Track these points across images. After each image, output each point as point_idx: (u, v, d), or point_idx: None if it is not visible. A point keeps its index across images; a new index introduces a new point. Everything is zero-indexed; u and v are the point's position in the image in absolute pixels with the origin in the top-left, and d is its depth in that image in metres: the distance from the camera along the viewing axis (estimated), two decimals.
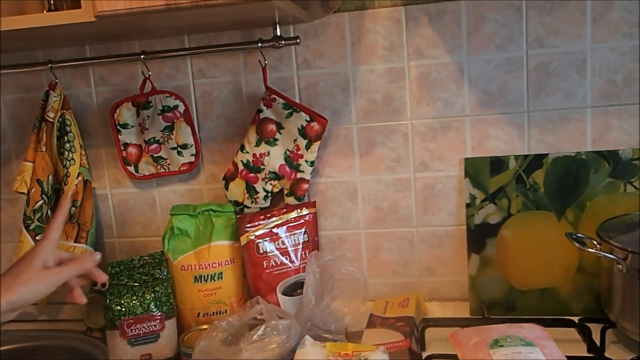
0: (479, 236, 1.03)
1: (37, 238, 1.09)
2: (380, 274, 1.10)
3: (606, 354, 0.86)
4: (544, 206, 1.00)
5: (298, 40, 1.02)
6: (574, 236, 0.91)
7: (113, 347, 0.95)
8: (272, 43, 1.00)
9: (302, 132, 1.03)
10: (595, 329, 0.90)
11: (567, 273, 1.00)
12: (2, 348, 1.05)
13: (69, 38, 1.02)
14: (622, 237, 0.87)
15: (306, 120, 1.02)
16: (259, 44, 1.00)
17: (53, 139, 1.08)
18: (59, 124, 1.08)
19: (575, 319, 0.95)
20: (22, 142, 1.17)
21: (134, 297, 0.95)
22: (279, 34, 1.01)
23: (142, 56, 1.05)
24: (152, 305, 0.95)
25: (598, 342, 0.88)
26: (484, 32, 0.99)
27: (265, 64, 1.03)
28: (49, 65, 1.07)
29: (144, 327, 0.95)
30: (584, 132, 0.99)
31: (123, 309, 0.94)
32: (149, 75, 1.06)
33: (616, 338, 0.91)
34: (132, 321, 0.94)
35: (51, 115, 1.07)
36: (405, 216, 1.08)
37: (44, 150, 1.08)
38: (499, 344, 0.77)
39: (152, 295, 0.96)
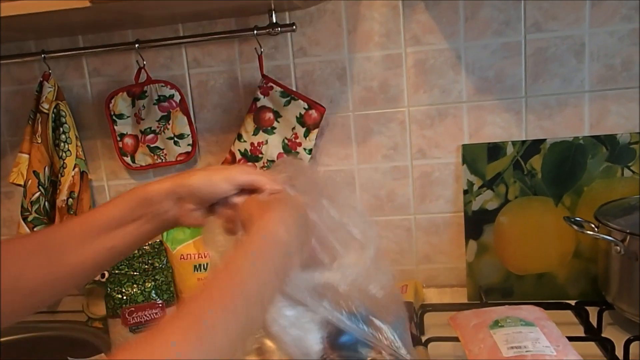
0: (476, 223, 1.03)
1: (35, 230, 1.09)
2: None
3: (603, 335, 0.87)
4: (542, 192, 1.00)
5: (294, 27, 1.01)
6: (572, 220, 0.92)
7: (115, 335, 0.96)
8: (268, 30, 1.00)
9: (300, 120, 1.03)
10: (592, 311, 0.91)
11: (564, 258, 1.01)
12: (3, 339, 1.05)
13: (62, 27, 1.00)
14: (619, 220, 0.87)
15: (304, 108, 1.02)
16: (255, 31, 1.00)
17: (48, 130, 1.07)
18: (53, 115, 1.07)
19: (572, 302, 0.97)
20: (17, 135, 1.16)
21: (135, 286, 0.96)
22: (274, 20, 1.00)
23: (136, 45, 1.04)
24: (153, 293, 0.96)
25: (595, 324, 0.89)
26: (481, 18, 0.98)
27: (261, 51, 1.02)
28: (42, 56, 1.06)
29: (145, 315, 0.95)
30: (581, 117, 0.99)
31: (124, 297, 0.95)
32: (144, 64, 1.05)
33: (612, 320, 0.92)
34: (133, 309, 0.95)
35: (46, 106, 1.06)
36: (403, 204, 1.08)
37: (39, 141, 1.08)
38: (499, 324, 0.78)
39: (153, 283, 0.96)
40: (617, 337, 0.83)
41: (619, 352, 0.80)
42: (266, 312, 0.53)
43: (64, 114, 1.08)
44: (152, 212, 0.60)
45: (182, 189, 0.60)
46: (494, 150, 1.01)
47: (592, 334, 0.88)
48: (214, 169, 0.64)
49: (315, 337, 0.62)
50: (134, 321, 0.95)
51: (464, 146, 1.03)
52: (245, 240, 0.52)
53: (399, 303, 0.69)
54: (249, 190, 0.61)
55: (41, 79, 1.07)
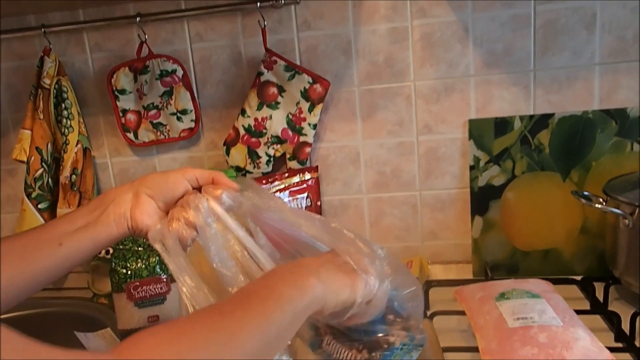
0: (482, 199, 1.02)
1: (39, 206, 1.09)
2: (383, 239, 1.10)
3: (609, 309, 0.87)
4: (549, 167, 0.99)
5: (298, 0, 0.99)
6: (580, 193, 0.91)
7: (120, 310, 0.96)
8: (271, 2, 0.98)
9: (305, 94, 1.01)
10: (598, 287, 0.90)
11: (570, 234, 1.00)
12: (9, 315, 1.06)
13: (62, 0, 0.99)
14: (628, 194, 0.86)
15: (309, 83, 1.01)
16: (258, 4, 0.98)
17: (50, 106, 1.06)
18: (55, 91, 1.06)
19: (578, 277, 0.96)
20: (19, 111, 1.15)
21: (139, 261, 0.96)
22: None
23: (137, 19, 1.02)
24: (157, 268, 0.96)
25: (601, 299, 0.89)
26: None
27: (265, 25, 1.00)
28: (42, 30, 1.04)
29: (150, 290, 0.95)
30: (591, 91, 0.97)
31: (129, 272, 0.95)
32: (146, 39, 1.04)
33: (619, 295, 0.92)
34: (138, 284, 0.94)
35: (47, 81, 1.05)
36: (408, 180, 1.07)
37: (41, 117, 1.07)
38: (505, 297, 0.78)
39: (157, 258, 0.96)
40: (623, 311, 0.83)
41: (625, 325, 0.80)
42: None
43: (65, 89, 1.07)
44: (110, 206, 0.61)
45: (140, 182, 0.63)
46: (501, 125, 1.00)
47: (598, 308, 0.88)
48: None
49: None
50: (138, 296, 0.95)
51: (471, 121, 1.01)
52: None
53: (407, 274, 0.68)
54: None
55: (42, 54, 1.06)
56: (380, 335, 0.70)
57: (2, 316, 1.03)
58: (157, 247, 0.60)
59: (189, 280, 0.57)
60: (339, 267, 0.56)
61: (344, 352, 0.72)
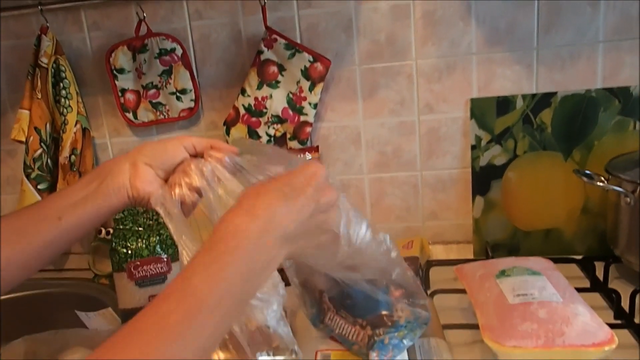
0: (483, 178, 1.02)
1: (38, 187, 1.09)
2: (384, 219, 1.10)
3: (609, 287, 0.87)
4: (551, 146, 0.98)
5: None
6: (582, 172, 0.90)
7: (121, 289, 0.96)
8: None
9: (305, 73, 1.00)
10: (599, 266, 0.90)
11: (571, 214, 1.00)
12: (11, 295, 1.06)
13: None
14: (630, 172, 0.86)
15: (309, 61, 1.00)
16: None
17: (48, 86, 1.05)
18: (53, 70, 1.05)
19: (579, 257, 0.96)
20: (17, 91, 1.14)
21: (140, 240, 0.95)
22: None
23: None
24: (157, 248, 0.95)
25: (601, 278, 0.89)
26: None
27: (264, 2, 0.99)
28: (39, 8, 1.03)
29: (150, 269, 0.95)
30: (594, 69, 0.96)
31: (129, 252, 0.95)
32: (144, 17, 1.02)
33: (619, 273, 0.92)
34: (138, 263, 0.94)
35: (45, 61, 1.04)
36: (409, 160, 1.06)
37: (39, 97, 1.06)
38: (506, 274, 0.78)
39: (158, 238, 0.96)
40: (623, 289, 0.83)
41: (625, 303, 0.80)
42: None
43: (63, 68, 1.06)
44: (108, 177, 0.61)
45: (136, 151, 0.62)
46: (503, 104, 0.99)
47: (599, 286, 0.88)
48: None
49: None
50: (139, 275, 0.95)
51: (473, 100, 1.00)
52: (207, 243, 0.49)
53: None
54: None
55: (39, 33, 1.05)
56: (384, 312, 0.70)
57: (5, 297, 1.03)
58: (160, 210, 0.60)
59: (189, 243, 0.58)
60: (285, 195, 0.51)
61: (347, 328, 0.72)
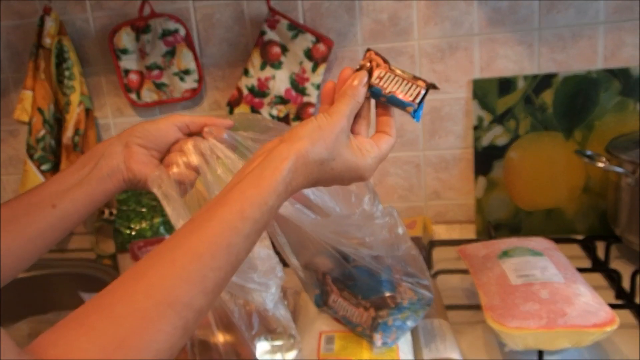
0: (486, 158, 1.03)
1: (41, 167, 1.09)
2: (387, 198, 1.11)
3: (610, 267, 0.88)
4: (552, 127, 0.99)
5: None
6: (584, 153, 0.91)
7: (124, 270, 0.97)
8: None
9: (308, 54, 1.00)
10: (600, 246, 0.92)
11: (573, 193, 1.01)
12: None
13: None
14: (630, 152, 0.87)
15: (312, 42, 1.00)
16: None
17: (51, 66, 1.05)
18: (56, 51, 1.05)
19: (580, 237, 0.97)
20: (20, 71, 1.14)
21: (143, 221, 0.96)
22: None
23: None
24: (161, 229, 0.96)
25: (602, 258, 0.90)
26: None
27: None
28: None
29: None
30: (595, 50, 0.97)
31: (133, 233, 0.95)
32: None
33: (619, 253, 0.93)
34: (142, 244, 0.95)
35: (48, 41, 1.04)
36: (412, 140, 1.07)
37: (42, 77, 1.06)
38: (508, 254, 0.79)
39: (161, 219, 0.97)
40: (624, 269, 0.84)
41: (626, 283, 0.81)
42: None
43: (66, 49, 1.06)
44: (101, 160, 0.59)
45: (129, 133, 0.60)
46: (505, 84, 0.99)
47: (600, 266, 0.89)
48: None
49: None
50: (142, 256, 0.96)
51: (475, 81, 1.01)
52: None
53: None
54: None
55: (43, 13, 1.04)
56: (388, 294, 0.70)
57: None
58: (157, 192, 0.59)
59: None
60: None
61: (351, 309, 0.72)
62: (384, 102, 0.56)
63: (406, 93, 0.55)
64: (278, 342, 0.73)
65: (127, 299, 0.40)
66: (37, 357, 0.36)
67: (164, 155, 0.62)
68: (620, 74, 0.96)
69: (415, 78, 0.55)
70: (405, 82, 0.55)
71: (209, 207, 0.45)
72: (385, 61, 0.57)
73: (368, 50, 0.57)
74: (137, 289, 0.41)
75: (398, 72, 0.56)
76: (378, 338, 0.68)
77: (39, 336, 0.38)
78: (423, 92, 0.55)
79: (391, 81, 0.55)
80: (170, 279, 0.41)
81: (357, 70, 0.56)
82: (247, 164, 0.50)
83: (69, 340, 0.37)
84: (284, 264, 0.68)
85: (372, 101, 0.57)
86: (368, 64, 0.56)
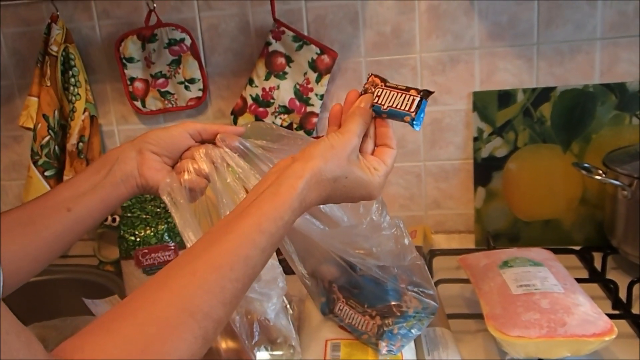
0: (485, 169, 1.05)
1: (45, 174, 1.10)
2: (388, 208, 1.08)
3: (607, 278, 0.89)
4: (550, 139, 1.01)
5: None
6: (581, 165, 0.93)
7: (128, 276, 0.98)
8: None
9: (312, 65, 1.02)
10: (597, 257, 0.93)
11: (570, 204, 1.03)
12: None
13: None
14: (627, 165, 0.89)
15: (316, 53, 1.02)
16: None
17: (57, 74, 1.06)
18: (62, 58, 1.06)
19: (577, 247, 0.99)
20: (25, 77, 1.15)
21: (148, 228, 0.97)
22: None
23: None
24: (165, 236, 0.97)
25: (599, 268, 0.92)
26: None
27: None
28: None
29: (158, 257, 0.96)
30: (592, 64, 0.99)
31: (137, 239, 0.96)
32: (154, 7, 1.04)
33: (616, 264, 0.95)
34: (146, 251, 0.96)
35: (54, 48, 1.05)
36: (413, 150, 1.09)
37: (48, 84, 1.07)
38: (509, 264, 0.80)
39: (165, 226, 0.97)
40: (620, 279, 0.86)
41: (623, 293, 0.83)
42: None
43: (73, 57, 1.07)
44: (115, 166, 0.60)
45: (142, 139, 0.62)
46: (505, 97, 1.02)
47: (597, 276, 0.90)
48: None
49: None
50: (147, 263, 0.97)
51: (475, 93, 1.03)
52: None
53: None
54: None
55: (49, 21, 1.05)
56: (393, 302, 0.71)
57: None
58: (166, 200, 0.60)
59: (192, 237, 0.58)
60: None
61: (357, 317, 0.73)
62: (385, 117, 0.58)
63: (402, 104, 0.57)
64: (278, 352, 0.74)
65: (149, 307, 0.41)
66: None
67: (176, 162, 0.63)
68: (617, 89, 0.98)
69: (409, 88, 0.58)
70: (399, 94, 0.57)
71: (228, 221, 0.47)
72: (382, 81, 0.59)
73: (371, 75, 0.60)
74: (158, 298, 0.42)
75: (392, 86, 0.58)
76: (383, 346, 0.70)
77: (64, 341, 0.39)
78: (417, 100, 0.56)
79: (387, 96, 0.58)
80: (190, 288, 0.42)
81: (362, 93, 0.59)
82: (262, 181, 0.52)
83: (95, 345, 0.39)
84: (289, 271, 0.69)
85: None
86: (372, 88, 0.58)
